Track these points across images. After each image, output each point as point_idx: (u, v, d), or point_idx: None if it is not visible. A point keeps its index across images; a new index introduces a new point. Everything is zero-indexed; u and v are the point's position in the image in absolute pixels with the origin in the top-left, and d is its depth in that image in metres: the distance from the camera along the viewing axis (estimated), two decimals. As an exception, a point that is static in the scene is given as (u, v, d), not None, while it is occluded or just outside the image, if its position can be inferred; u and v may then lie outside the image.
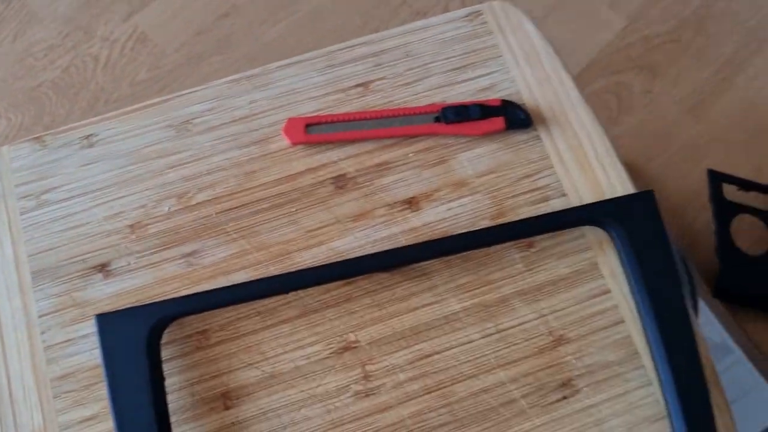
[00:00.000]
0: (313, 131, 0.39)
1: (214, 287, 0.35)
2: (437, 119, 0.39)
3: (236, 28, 0.77)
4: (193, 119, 0.40)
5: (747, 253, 0.71)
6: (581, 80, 0.79)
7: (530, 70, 0.41)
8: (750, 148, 0.78)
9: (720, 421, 0.35)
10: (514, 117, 0.39)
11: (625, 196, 0.37)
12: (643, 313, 0.35)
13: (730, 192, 0.76)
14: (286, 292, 0.36)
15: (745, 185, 0.74)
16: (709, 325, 0.68)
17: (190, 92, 0.40)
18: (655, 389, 0.35)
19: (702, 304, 0.67)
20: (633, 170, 0.77)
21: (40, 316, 0.36)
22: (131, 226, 0.38)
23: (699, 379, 0.34)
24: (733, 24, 0.81)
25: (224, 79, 0.40)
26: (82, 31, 0.75)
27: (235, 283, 0.36)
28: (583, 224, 0.37)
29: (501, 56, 0.41)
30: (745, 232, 0.74)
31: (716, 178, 0.73)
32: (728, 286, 0.70)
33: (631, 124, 0.78)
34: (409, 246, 0.36)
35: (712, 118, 0.78)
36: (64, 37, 0.75)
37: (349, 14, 0.78)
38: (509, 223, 0.37)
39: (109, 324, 0.34)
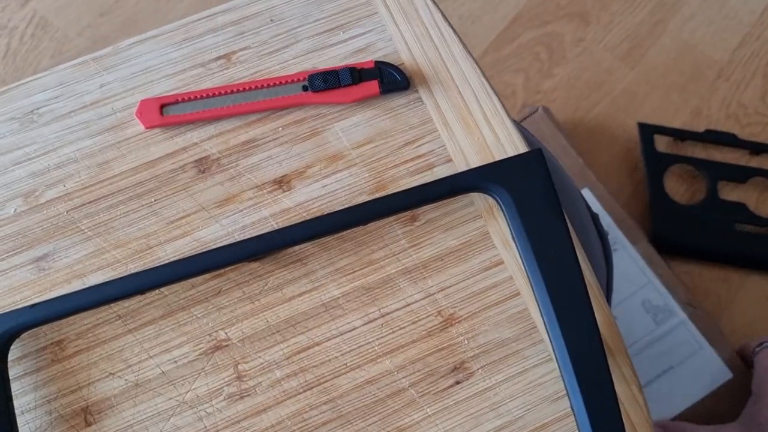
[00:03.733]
0: (170, 112, 0.35)
1: (67, 292, 0.32)
2: (305, 88, 0.36)
3: (142, 5, 0.73)
4: (37, 109, 0.36)
5: (679, 203, 0.68)
6: (509, 34, 0.75)
7: (408, 26, 0.37)
8: (687, 91, 0.75)
9: (627, 392, 0.32)
10: (390, 79, 0.36)
11: (509, 157, 0.33)
12: (533, 283, 0.32)
13: (666, 142, 0.73)
14: (147, 291, 0.32)
15: (680, 134, 0.71)
16: (651, 286, 0.65)
17: (33, 79, 0.36)
18: (555, 364, 0.32)
19: (644, 264, 0.65)
20: (568, 124, 0.74)
21: None
22: (-27, 233, 0.34)
23: (597, 351, 0.31)
24: (665, -38, 0.77)
25: (70, 63, 0.37)
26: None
27: (91, 285, 0.32)
28: (467, 191, 0.34)
29: (376, 13, 0.38)
30: (682, 182, 0.72)
31: (648, 131, 0.69)
32: (662, 238, 0.67)
33: (563, 75, 0.75)
34: (279, 230, 0.33)
35: (648, 64, 0.75)
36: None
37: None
38: (387, 196, 0.33)
39: (-57, 345, 0.30)
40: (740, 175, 0.73)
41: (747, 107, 0.75)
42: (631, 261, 0.65)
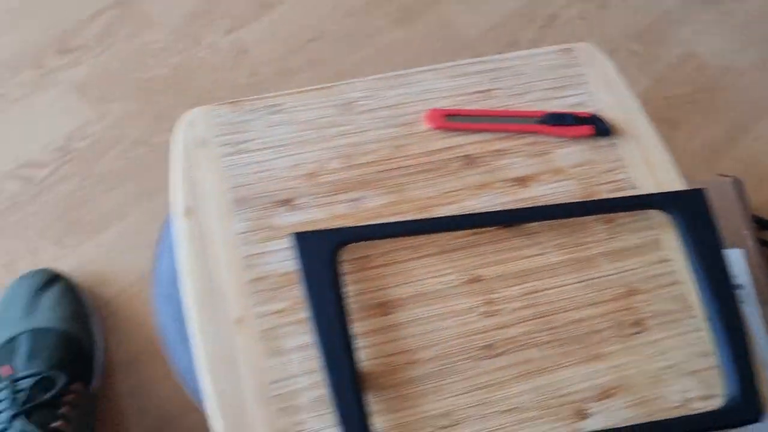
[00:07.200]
0: (450, 120, 0.51)
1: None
2: (541, 122, 0.51)
3: (323, 52, 0.90)
4: (353, 102, 0.51)
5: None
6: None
7: (608, 96, 0.54)
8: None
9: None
10: (600, 127, 0.52)
11: (684, 190, 0.49)
12: (697, 280, 0.47)
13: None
14: (433, 232, 0.46)
15: None
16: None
17: (349, 82, 0.51)
18: (704, 333, 0.46)
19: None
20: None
21: (238, 234, 0.45)
22: (308, 175, 0.48)
23: (739, 330, 0.45)
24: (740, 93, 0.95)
25: (375, 76, 0.52)
26: (190, 39, 0.87)
27: (394, 221, 0.46)
28: (651, 207, 0.49)
29: (587, 83, 0.54)
30: None
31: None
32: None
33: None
34: (521, 208, 0.47)
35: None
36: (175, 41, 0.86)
37: (417, 53, 0.92)
38: (596, 200, 0.48)
39: (304, 240, 0.44)
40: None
41: None
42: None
